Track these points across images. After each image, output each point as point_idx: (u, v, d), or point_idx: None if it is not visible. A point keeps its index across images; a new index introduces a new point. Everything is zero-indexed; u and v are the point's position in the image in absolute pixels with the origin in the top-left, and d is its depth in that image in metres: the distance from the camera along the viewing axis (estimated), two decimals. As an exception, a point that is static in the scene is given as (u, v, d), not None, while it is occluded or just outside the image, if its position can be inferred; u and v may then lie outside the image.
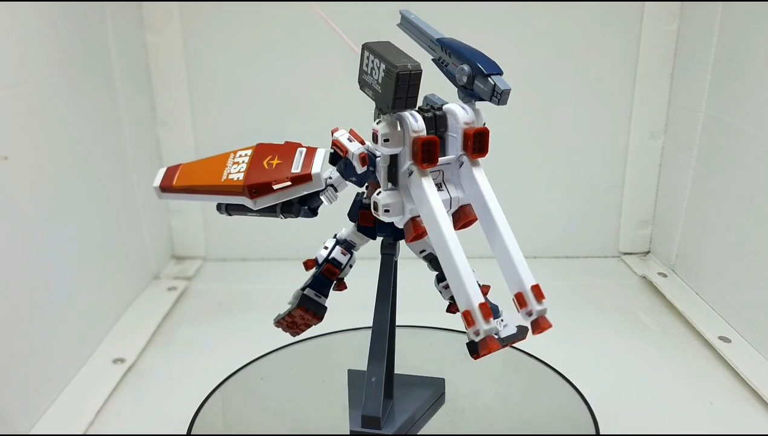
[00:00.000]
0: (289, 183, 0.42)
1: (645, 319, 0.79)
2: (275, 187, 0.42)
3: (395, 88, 0.36)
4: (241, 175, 0.42)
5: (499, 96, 0.39)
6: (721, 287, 0.78)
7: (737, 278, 0.74)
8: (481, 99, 0.40)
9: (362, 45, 0.37)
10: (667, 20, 0.88)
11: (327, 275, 0.49)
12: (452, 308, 0.49)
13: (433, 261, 0.49)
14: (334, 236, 0.50)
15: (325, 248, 0.49)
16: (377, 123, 0.38)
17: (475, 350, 0.42)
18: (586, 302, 0.84)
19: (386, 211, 0.40)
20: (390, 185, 0.40)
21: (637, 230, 0.98)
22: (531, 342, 0.65)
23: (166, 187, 0.45)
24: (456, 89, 0.42)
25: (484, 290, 0.48)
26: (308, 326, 0.51)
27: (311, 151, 0.44)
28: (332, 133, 0.43)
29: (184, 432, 0.53)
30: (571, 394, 0.57)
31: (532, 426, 0.55)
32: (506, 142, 0.93)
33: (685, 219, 0.87)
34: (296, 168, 0.43)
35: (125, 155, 0.84)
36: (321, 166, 0.43)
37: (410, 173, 0.39)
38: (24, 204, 0.61)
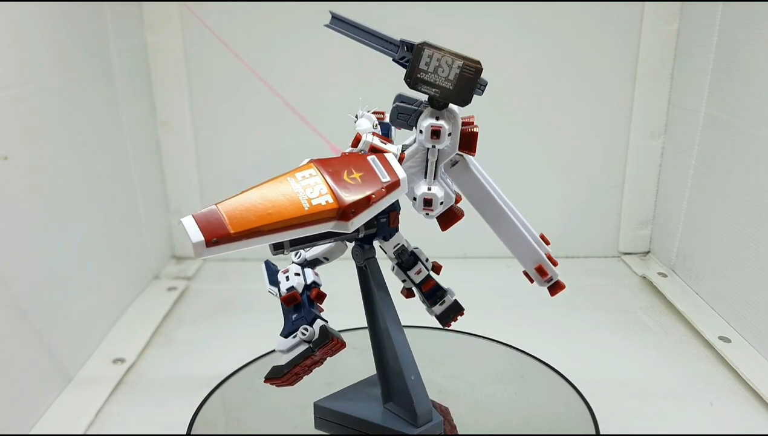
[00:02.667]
0: (386, 193, 0.39)
1: (645, 319, 0.79)
2: (373, 200, 0.38)
3: (476, 83, 0.39)
4: (329, 198, 0.37)
5: (482, 88, 0.42)
6: (721, 287, 0.78)
7: (737, 278, 0.74)
8: None
9: (421, 44, 0.39)
10: (667, 20, 0.88)
11: (317, 300, 0.46)
12: (409, 293, 0.52)
13: (402, 253, 0.49)
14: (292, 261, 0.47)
15: (296, 274, 0.46)
16: (437, 119, 0.40)
17: (448, 320, 0.53)
18: (586, 302, 0.84)
19: (442, 203, 0.42)
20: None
21: (637, 230, 0.98)
22: (531, 342, 0.65)
23: (219, 239, 0.35)
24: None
25: (437, 266, 0.52)
26: (323, 362, 0.46)
27: (382, 157, 0.41)
28: (357, 140, 0.42)
29: (184, 432, 0.53)
30: (571, 394, 0.57)
31: (532, 426, 0.55)
32: (506, 142, 0.93)
33: (685, 219, 0.87)
34: (384, 176, 0.39)
35: (125, 155, 0.84)
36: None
37: (453, 164, 0.42)
38: (24, 204, 0.61)
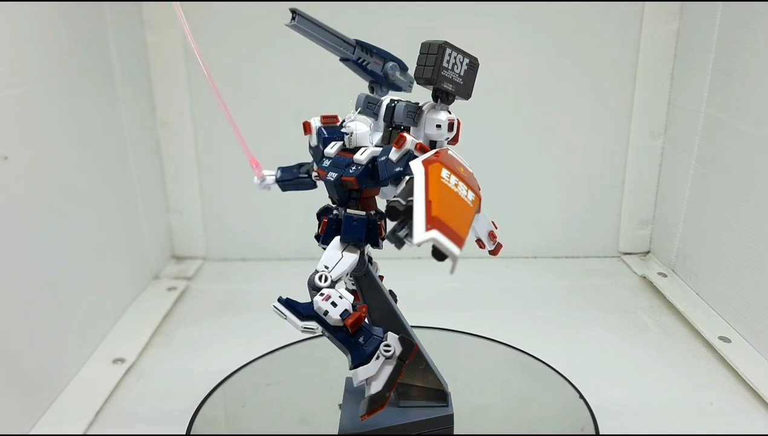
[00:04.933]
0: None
1: (645, 319, 0.79)
2: (479, 188, 0.40)
3: (475, 77, 0.42)
4: (472, 193, 0.39)
5: (411, 85, 0.47)
6: (721, 287, 0.78)
7: (737, 278, 0.74)
8: (399, 90, 0.47)
9: (443, 44, 0.41)
10: (667, 20, 0.88)
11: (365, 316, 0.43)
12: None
13: (369, 258, 0.50)
14: (315, 287, 0.43)
15: (340, 297, 0.42)
16: (449, 112, 0.43)
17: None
18: (586, 302, 0.84)
19: None
20: None
21: (637, 230, 0.98)
22: (531, 342, 0.65)
23: (461, 247, 0.35)
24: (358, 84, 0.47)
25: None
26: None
27: (452, 151, 0.43)
28: (403, 142, 0.41)
29: (184, 432, 0.53)
30: (571, 394, 0.57)
31: (532, 426, 0.55)
32: (506, 142, 0.93)
33: (685, 219, 0.88)
34: (468, 166, 0.42)
35: (125, 155, 0.84)
36: None
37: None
38: (24, 204, 0.61)
